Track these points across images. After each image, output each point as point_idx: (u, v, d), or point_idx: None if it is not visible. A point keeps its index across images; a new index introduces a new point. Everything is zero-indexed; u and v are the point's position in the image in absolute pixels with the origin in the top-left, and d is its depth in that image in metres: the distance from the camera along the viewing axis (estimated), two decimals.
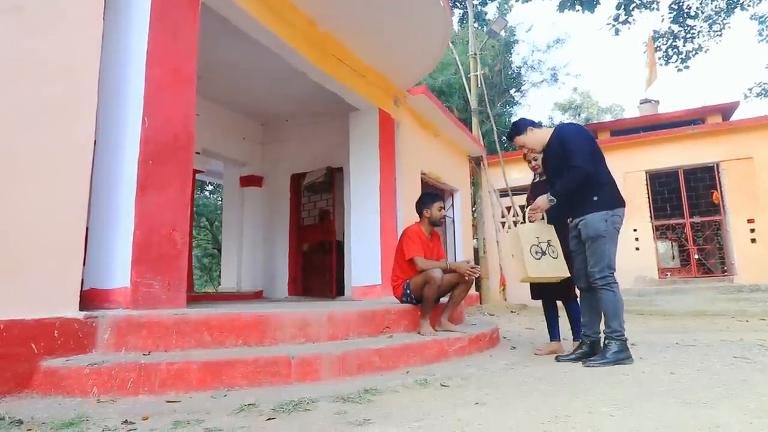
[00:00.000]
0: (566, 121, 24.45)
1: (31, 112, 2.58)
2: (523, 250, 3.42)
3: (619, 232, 3.27)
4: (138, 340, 2.68)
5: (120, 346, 2.65)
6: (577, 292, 3.62)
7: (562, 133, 3.40)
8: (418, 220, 4.18)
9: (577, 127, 3.45)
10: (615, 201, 3.27)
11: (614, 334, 3.19)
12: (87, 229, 2.87)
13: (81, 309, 2.69)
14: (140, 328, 2.69)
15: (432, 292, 3.69)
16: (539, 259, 3.43)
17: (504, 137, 18.16)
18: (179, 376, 2.42)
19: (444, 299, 4.06)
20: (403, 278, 3.97)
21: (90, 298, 2.94)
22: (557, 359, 3.43)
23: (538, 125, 3.57)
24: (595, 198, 3.23)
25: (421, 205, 4.12)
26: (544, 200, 3.35)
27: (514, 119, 19.27)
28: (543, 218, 3.54)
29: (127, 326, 2.68)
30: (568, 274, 3.49)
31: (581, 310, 3.55)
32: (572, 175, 3.23)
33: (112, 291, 2.94)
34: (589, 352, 3.39)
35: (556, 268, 3.44)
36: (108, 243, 3.03)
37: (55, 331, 2.50)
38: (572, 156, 3.24)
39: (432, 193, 4.34)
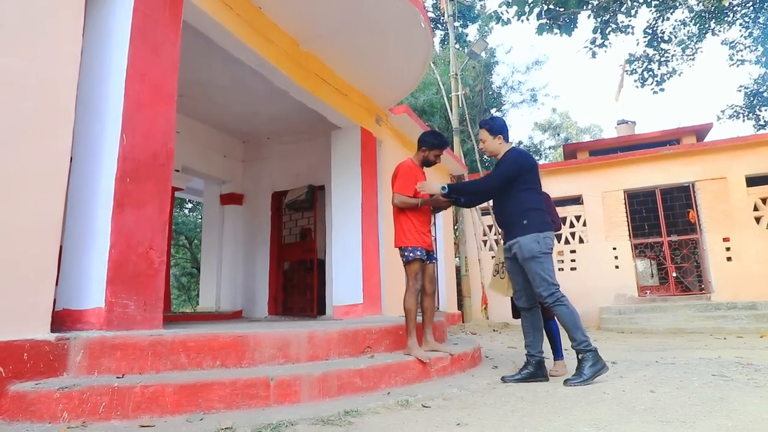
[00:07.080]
0: (544, 141, 24.89)
1: (5, 127, 2.52)
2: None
3: (551, 252, 3.42)
4: (112, 362, 2.60)
5: (93, 368, 2.57)
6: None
7: (503, 157, 3.57)
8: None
9: (517, 155, 3.55)
10: (544, 225, 3.43)
11: (582, 346, 3.24)
12: (61, 247, 2.80)
13: (53, 330, 2.60)
14: (114, 350, 2.62)
15: (412, 303, 3.65)
16: (495, 276, 4.10)
17: (484, 153, 18.38)
18: (154, 399, 2.35)
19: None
20: (404, 221, 3.79)
21: (62, 319, 2.85)
22: (503, 379, 3.45)
23: (507, 140, 3.68)
24: (525, 221, 3.42)
25: (424, 143, 3.98)
26: (435, 187, 3.63)
27: None
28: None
29: (100, 348, 2.61)
30: (505, 294, 3.91)
31: (524, 330, 3.63)
32: (483, 180, 3.63)
33: (86, 311, 2.86)
34: (535, 372, 3.45)
35: (498, 287, 4.02)
36: (82, 262, 2.96)
37: (25, 354, 2.42)
38: (495, 169, 3.55)
39: (442, 140, 4.04)
